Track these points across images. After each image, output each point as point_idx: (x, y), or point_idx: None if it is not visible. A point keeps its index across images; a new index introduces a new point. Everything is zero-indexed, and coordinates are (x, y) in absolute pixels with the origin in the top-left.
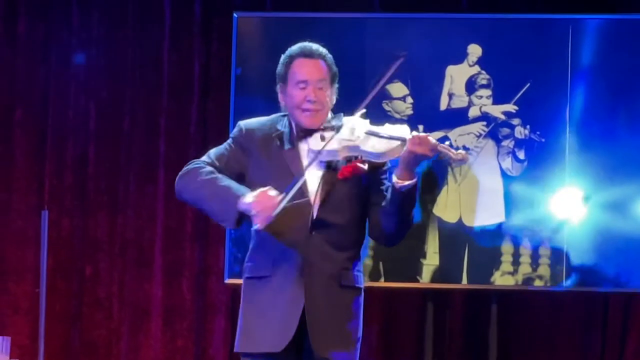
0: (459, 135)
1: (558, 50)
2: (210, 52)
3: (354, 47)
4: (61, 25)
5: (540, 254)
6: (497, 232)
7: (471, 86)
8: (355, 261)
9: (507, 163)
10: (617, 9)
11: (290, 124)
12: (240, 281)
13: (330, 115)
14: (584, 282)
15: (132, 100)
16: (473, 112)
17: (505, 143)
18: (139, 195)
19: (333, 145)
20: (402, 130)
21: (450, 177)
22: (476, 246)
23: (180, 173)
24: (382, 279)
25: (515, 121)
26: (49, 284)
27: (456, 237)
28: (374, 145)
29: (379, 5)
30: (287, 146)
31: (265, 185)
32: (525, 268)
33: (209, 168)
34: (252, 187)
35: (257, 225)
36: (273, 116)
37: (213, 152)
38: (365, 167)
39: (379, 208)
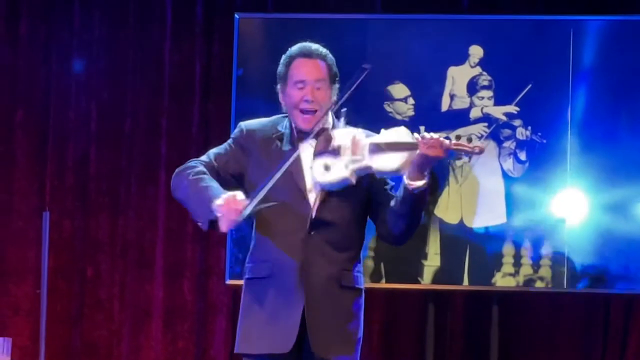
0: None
1: (559, 52)
2: (211, 53)
3: (356, 48)
4: (62, 26)
5: (542, 255)
6: (498, 234)
7: (472, 87)
8: (355, 262)
9: (509, 164)
10: (619, 10)
11: (290, 125)
12: (241, 282)
13: (331, 116)
14: (585, 283)
15: (133, 101)
16: (474, 113)
17: (506, 144)
18: (140, 197)
19: (341, 173)
20: (402, 134)
21: (451, 178)
22: (477, 247)
23: (175, 171)
24: (383, 280)
25: (517, 122)
26: (50, 285)
27: (457, 238)
28: (386, 162)
29: (380, 6)
30: (287, 147)
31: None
32: (526, 269)
33: (201, 168)
34: (252, 188)
35: (221, 227)
36: (274, 117)
37: (213, 151)
38: None
39: (386, 208)
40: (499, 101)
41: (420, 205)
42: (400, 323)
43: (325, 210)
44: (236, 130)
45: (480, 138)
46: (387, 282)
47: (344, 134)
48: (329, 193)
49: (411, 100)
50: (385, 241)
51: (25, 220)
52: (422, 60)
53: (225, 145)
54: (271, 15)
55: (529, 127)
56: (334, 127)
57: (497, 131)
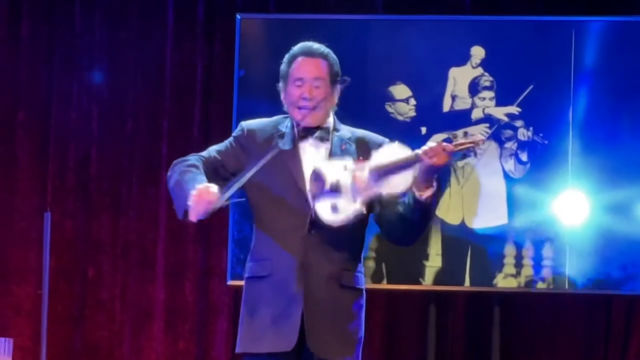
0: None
1: (561, 53)
2: (213, 54)
3: (357, 49)
4: (64, 27)
5: (543, 256)
6: (499, 234)
7: (474, 88)
8: (355, 262)
9: (510, 165)
10: (620, 11)
11: (292, 124)
12: (242, 283)
13: (332, 118)
14: (587, 284)
15: (135, 102)
16: (476, 114)
17: (508, 145)
18: (142, 197)
19: (351, 208)
20: (397, 152)
21: (452, 179)
22: (479, 248)
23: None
24: (385, 281)
25: (518, 123)
26: (51, 286)
27: (459, 239)
28: (393, 185)
29: (382, 7)
30: (287, 146)
31: (265, 185)
32: (527, 270)
33: (194, 162)
34: (252, 187)
35: (190, 216)
36: (275, 117)
37: (213, 148)
38: None
39: (392, 209)
40: (500, 102)
41: (430, 210)
42: (402, 324)
43: None
44: (237, 129)
45: None
46: (388, 282)
47: (333, 168)
48: None
49: (413, 101)
50: (393, 243)
51: (27, 220)
52: (424, 61)
53: (226, 143)
54: (273, 15)
55: (531, 128)
56: (335, 128)
57: (498, 132)
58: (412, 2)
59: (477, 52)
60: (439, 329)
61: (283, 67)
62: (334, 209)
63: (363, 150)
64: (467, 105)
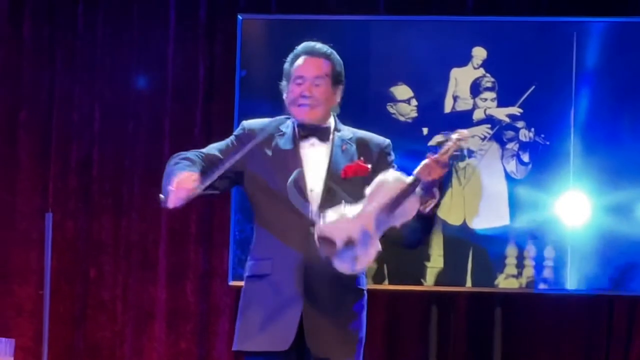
0: None
1: (563, 53)
2: (214, 54)
3: (359, 49)
4: (66, 27)
5: (545, 257)
6: (501, 235)
7: (476, 89)
8: None
9: (512, 166)
10: (622, 12)
11: (293, 125)
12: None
13: (333, 118)
14: (589, 285)
15: (137, 103)
16: (477, 115)
17: (509, 146)
18: (143, 198)
19: (372, 252)
20: (395, 183)
21: (454, 180)
22: (480, 249)
23: None
24: (386, 282)
25: (520, 124)
26: (53, 286)
27: (460, 240)
28: (404, 215)
29: (383, 7)
30: (287, 146)
31: (266, 185)
32: (529, 271)
33: (188, 156)
34: (253, 187)
35: (168, 203)
36: (277, 118)
37: (214, 146)
38: (369, 167)
39: None
40: (502, 103)
41: (434, 217)
42: (403, 325)
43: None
44: (239, 128)
45: (483, 139)
46: (390, 283)
47: (337, 225)
48: (331, 192)
49: (414, 102)
50: (396, 246)
51: (29, 221)
52: (425, 62)
53: (227, 141)
54: (274, 16)
55: (532, 129)
56: (336, 129)
57: (500, 133)
58: (413, 2)
59: (479, 53)
60: (440, 330)
61: (286, 65)
62: (354, 261)
63: (364, 151)
64: (469, 106)
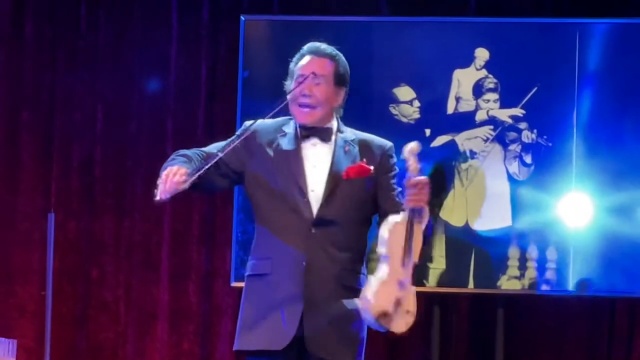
0: (466, 139)
1: (565, 54)
2: (217, 55)
3: (361, 50)
4: (68, 28)
5: (547, 259)
6: (503, 237)
7: (478, 90)
8: (358, 263)
9: (514, 167)
10: (625, 13)
11: (295, 125)
12: None
13: (336, 119)
14: (591, 286)
15: (139, 103)
16: (480, 116)
17: (512, 147)
18: (146, 198)
19: (413, 290)
20: (397, 233)
21: (457, 181)
22: (483, 250)
23: None
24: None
25: (522, 125)
26: (55, 287)
27: (463, 241)
28: (417, 244)
29: (386, 8)
30: (289, 146)
31: (267, 185)
32: (531, 272)
33: (186, 153)
34: (254, 187)
35: (156, 195)
36: (280, 118)
37: (215, 145)
38: (371, 168)
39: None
40: (504, 104)
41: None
42: None
43: (328, 209)
44: (241, 128)
45: (485, 141)
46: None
47: (380, 294)
48: (333, 192)
49: (417, 103)
50: None
51: (31, 221)
52: (428, 63)
53: (229, 140)
54: (277, 17)
55: (535, 130)
56: (339, 130)
57: (502, 134)
58: (416, 3)
59: (482, 54)
60: (442, 331)
61: (291, 65)
62: (407, 315)
63: (366, 152)
64: (471, 107)
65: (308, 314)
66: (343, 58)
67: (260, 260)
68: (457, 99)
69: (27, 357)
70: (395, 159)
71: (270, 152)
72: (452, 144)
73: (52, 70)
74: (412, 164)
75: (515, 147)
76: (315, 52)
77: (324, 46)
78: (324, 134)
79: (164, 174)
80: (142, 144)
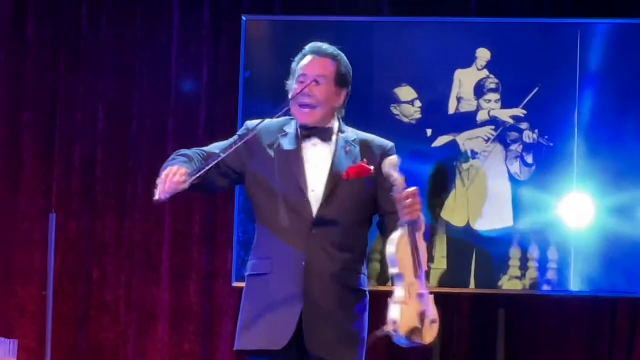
0: (467, 139)
1: (567, 55)
2: (218, 56)
3: (363, 51)
4: (70, 28)
5: (549, 259)
6: (505, 237)
7: (480, 90)
8: (358, 263)
9: (516, 167)
10: (626, 14)
11: (296, 126)
12: None
13: (337, 119)
14: (592, 287)
15: (140, 103)
16: (481, 116)
17: (513, 147)
18: (147, 199)
19: (432, 299)
20: (402, 249)
21: (458, 182)
22: (484, 251)
23: None
24: (390, 283)
25: (524, 125)
26: (56, 287)
27: (464, 241)
28: (424, 254)
29: (387, 9)
30: (290, 147)
31: (268, 185)
32: (533, 273)
33: (186, 152)
34: (254, 186)
35: (156, 195)
36: (281, 119)
37: (216, 145)
38: (372, 169)
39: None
40: (506, 104)
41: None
42: None
43: (328, 209)
44: (242, 128)
45: (487, 141)
46: (393, 285)
47: (404, 312)
48: (333, 192)
49: (418, 103)
50: None
51: (32, 221)
52: (429, 63)
53: (230, 140)
54: (278, 17)
55: (536, 130)
56: (340, 130)
57: (504, 134)
58: (417, 4)
59: (483, 54)
60: (443, 332)
61: (293, 65)
62: (432, 324)
63: (367, 152)
64: (473, 108)
65: (307, 313)
66: (345, 58)
67: (260, 260)
68: (459, 99)
69: (28, 357)
70: None
71: (271, 152)
72: (453, 144)
73: (53, 71)
74: (397, 178)
75: (516, 148)
76: (317, 52)
77: (325, 46)
78: (324, 134)
79: (163, 174)
80: (143, 144)
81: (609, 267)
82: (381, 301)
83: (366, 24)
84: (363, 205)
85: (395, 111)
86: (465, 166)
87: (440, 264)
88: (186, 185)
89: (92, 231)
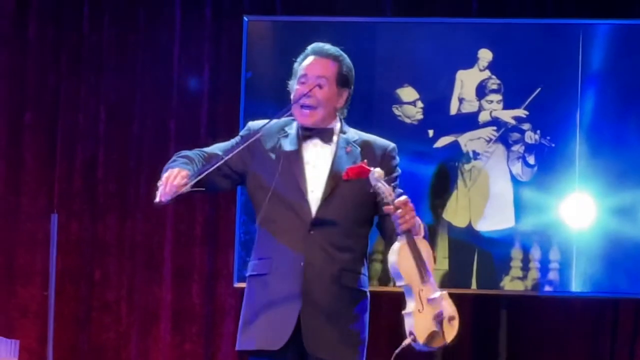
0: (469, 139)
1: (568, 55)
2: (220, 56)
3: (365, 51)
4: (71, 29)
5: (550, 259)
6: (506, 237)
7: (481, 91)
8: (358, 263)
9: (517, 168)
10: (628, 14)
11: (297, 126)
12: None
13: (339, 120)
14: (594, 287)
15: (142, 104)
16: (483, 117)
17: (515, 148)
18: (149, 199)
19: (446, 296)
20: (406, 257)
21: (460, 182)
22: (485, 251)
23: None
24: (391, 284)
25: (526, 126)
26: (57, 287)
27: (465, 242)
28: (429, 257)
29: (389, 9)
30: (290, 147)
31: (268, 185)
32: (534, 273)
33: (187, 154)
34: (254, 187)
35: (156, 198)
36: (283, 119)
37: (217, 146)
38: (372, 169)
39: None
40: (507, 105)
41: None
42: None
43: (327, 210)
44: (244, 128)
45: (488, 142)
46: (394, 285)
47: (419, 320)
48: (332, 193)
49: (420, 104)
50: None
51: (34, 222)
52: (431, 64)
53: (232, 141)
54: (280, 18)
55: (538, 131)
56: (342, 130)
57: (505, 135)
58: (419, 4)
59: (485, 55)
60: None
61: (295, 65)
62: (452, 321)
63: (367, 153)
64: (475, 108)
65: (306, 313)
66: (347, 59)
67: (260, 260)
68: (460, 100)
69: (29, 357)
70: (397, 160)
71: (272, 153)
72: (455, 145)
73: (55, 71)
74: (385, 189)
75: (518, 148)
76: (319, 53)
77: (327, 47)
78: (325, 135)
79: (164, 176)
80: (145, 145)
81: (610, 267)
82: (381, 301)
83: (368, 25)
84: (363, 205)
85: (397, 112)
86: (467, 167)
87: (442, 264)
88: (187, 188)
89: (93, 232)
